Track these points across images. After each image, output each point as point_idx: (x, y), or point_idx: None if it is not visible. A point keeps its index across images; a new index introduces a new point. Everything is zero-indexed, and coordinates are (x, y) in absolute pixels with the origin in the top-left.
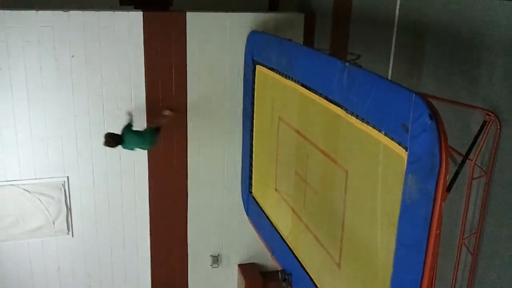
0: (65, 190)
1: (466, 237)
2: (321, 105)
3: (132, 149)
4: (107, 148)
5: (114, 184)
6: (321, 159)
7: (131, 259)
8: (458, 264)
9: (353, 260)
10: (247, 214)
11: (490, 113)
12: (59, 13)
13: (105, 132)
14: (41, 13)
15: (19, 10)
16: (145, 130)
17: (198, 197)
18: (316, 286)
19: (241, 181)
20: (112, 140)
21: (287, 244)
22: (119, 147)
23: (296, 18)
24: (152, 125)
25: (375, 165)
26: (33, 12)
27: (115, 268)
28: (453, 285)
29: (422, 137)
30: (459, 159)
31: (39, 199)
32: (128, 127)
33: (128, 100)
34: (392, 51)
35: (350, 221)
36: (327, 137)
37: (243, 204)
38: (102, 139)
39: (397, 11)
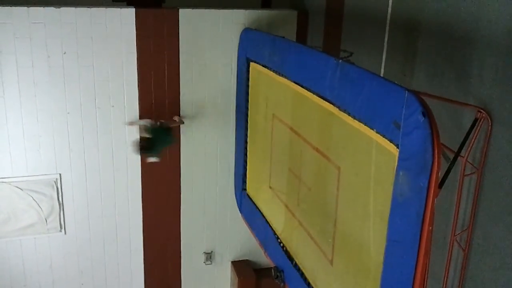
0: (57, 187)
1: (458, 234)
2: (314, 103)
3: (158, 151)
4: (100, 145)
5: (107, 181)
6: (314, 156)
7: (124, 256)
8: (449, 261)
9: (345, 256)
10: (240, 211)
11: (481, 110)
12: (51, 10)
13: (137, 139)
14: (33, 9)
15: (10, 6)
16: (163, 127)
17: (191, 194)
18: (308, 282)
19: (235, 178)
20: (146, 144)
21: (280, 241)
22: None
23: (289, 15)
24: (163, 125)
25: (367, 162)
26: (24, 8)
27: (108, 265)
28: (444, 282)
29: (414, 134)
30: (450, 156)
31: (31, 196)
32: (150, 129)
33: (120, 97)
34: (385, 49)
35: (343, 218)
36: (320, 134)
37: (236, 201)
38: (135, 148)
39: (389, 9)
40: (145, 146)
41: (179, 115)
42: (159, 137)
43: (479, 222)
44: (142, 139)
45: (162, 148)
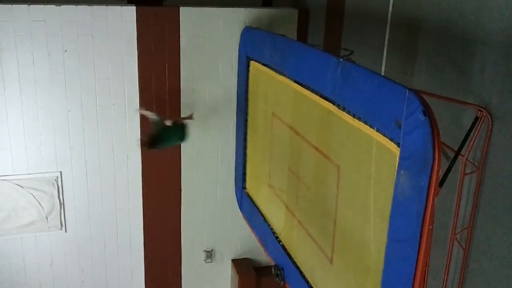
0: (58, 185)
1: (458, 232)
2: (314, 101)
3: (166, 146)
4: (100, 143)
5: (107, 179)
6: (314, 155)
7: (124, 254)
8: (450, 259)
9: (345, 255)
10: (241, 210)
11: (482, 109)
12: (52, 8)
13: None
14: (33, 7)
15: (11, 4)
16: (175, 125)
17: (191, 192)
18: (308, 281)
19: (235, 177)
20: (152, 141)
21: (280, 240)
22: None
23: (289, 13)
24: (177, 122)
25: (368, 161)
26: (25, 6)
27: (108, 263)
28: (445, 280)
29: (415, 133)
30: (451, 155)
31: (32, 194)
32: (159, 125)
33: (121, 95)
34: (385, 47)
35: (342, 217)
36: (320, 133)
37: (237, 199)
38: (139, 143)
39: (390, 7)
40: (151, 143)
41: (179, 112)
42: (172, 134)
43: (479, 221)
44: (149, 136)
45: (172, 145)
